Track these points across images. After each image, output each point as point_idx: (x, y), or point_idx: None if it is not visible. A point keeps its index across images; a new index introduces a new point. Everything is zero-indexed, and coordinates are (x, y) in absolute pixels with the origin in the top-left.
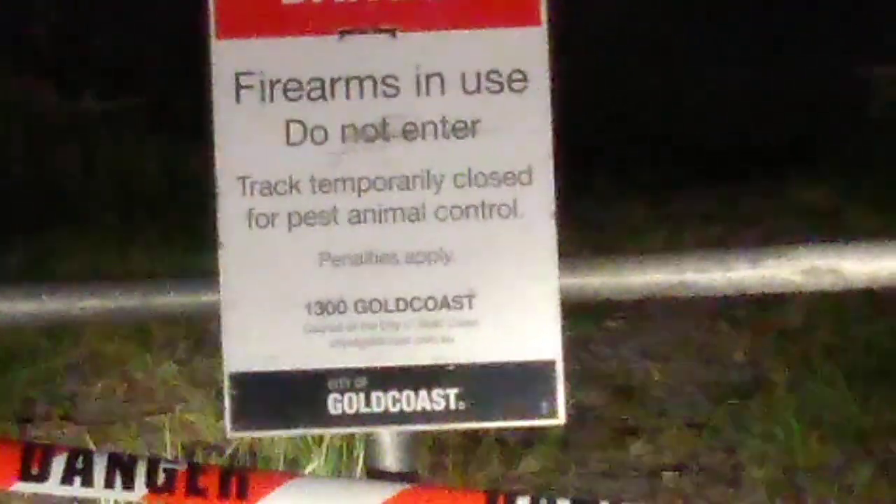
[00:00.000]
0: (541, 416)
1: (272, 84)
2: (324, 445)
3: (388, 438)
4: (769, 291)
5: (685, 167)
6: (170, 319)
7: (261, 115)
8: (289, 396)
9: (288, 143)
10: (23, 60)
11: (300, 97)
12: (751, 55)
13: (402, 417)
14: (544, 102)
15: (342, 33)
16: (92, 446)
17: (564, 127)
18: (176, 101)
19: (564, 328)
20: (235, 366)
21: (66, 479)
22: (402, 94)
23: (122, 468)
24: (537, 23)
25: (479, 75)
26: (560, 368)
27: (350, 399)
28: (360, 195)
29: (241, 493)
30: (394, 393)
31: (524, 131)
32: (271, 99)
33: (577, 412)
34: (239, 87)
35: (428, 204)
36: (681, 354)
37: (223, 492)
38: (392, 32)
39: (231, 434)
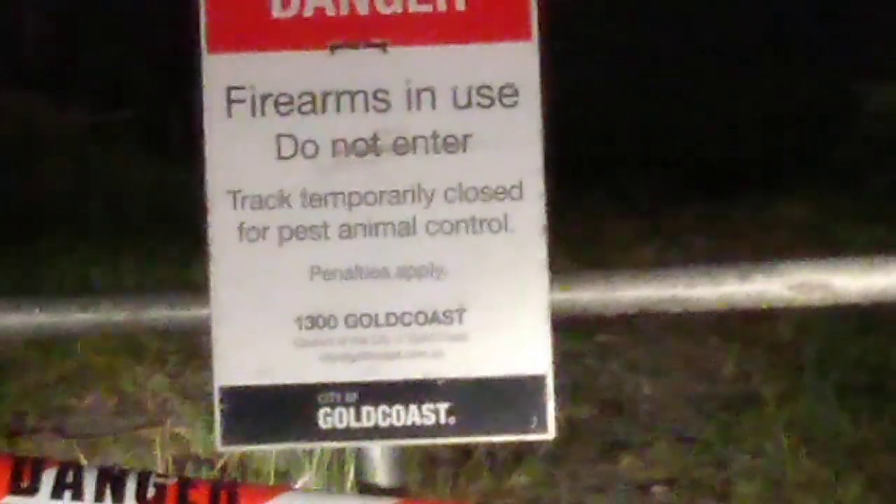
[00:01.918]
0: (531, 431)
1: (263, 98)
2: (314, 459)
3: (378, 453)
4: (759, 307)
5: (675, 182)
6: (160, 333)
7: (252, 130)
8: (279, 410)
9: (279, 157)
10: (14, 74)
11: (291, 111)
12: (740, 70)
13: (392, 432)
14: (535, 117)
15: (333, 48)
16: (82, 459)
17: (555, 141)
18: (167, 114)
19: (555, 342)
20: (226, 379)
21: (56, 493)
22: (393, 108)
23: (112, 482)
24: (528, 37)
25: (469, 90)
26: (550, 383)
27: (340, 413)
28: (350, 209)
29: None
30: (384, 407)
31: (515, 146)
32: (262, 113)
33: (568, 426)
34: (230, 101)
35: (419, 218)
36: (671, 369)
37: None
38: (383, 47)
39: (221, 448)
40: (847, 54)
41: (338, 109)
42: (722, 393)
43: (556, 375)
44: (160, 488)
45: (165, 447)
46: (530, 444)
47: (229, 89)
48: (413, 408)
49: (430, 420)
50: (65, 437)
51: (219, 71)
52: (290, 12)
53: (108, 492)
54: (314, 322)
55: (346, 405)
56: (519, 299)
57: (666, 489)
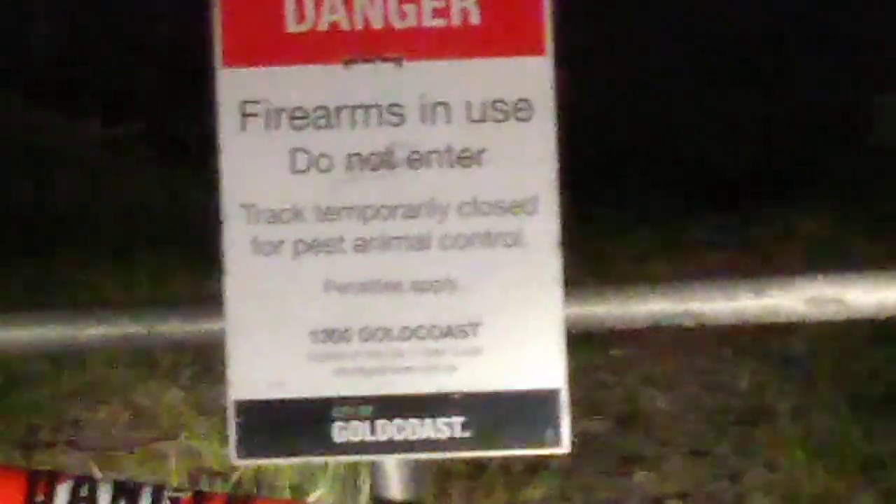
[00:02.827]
0: (545, 445)
1: (277, 112)
2: (328, 473)
3: (392, 467)
4: (773, 321)
5: (689, 196)
6: (175, 346)
7: (266, 144)
8: (293, 424)
9: (293, 171)
10: (26, 86)
11: (306, 125)
12: (754, 83)
13: (406, 446)
14: (549, 131)
15: (347, 62)
16: (96, 473)
17: (569, 156)
18: (179, 127)
19: (569, 357)
20: (240, 393)
21: None
22: (408, 122)
23: (126, 495)
24: (542, 52)
25: (484, 104)
26: (565, 397)
27: (355, 427)
28: (365, 223)
29: None
30: (399, 421)
31: (529, 160)
32: (277, 127)
33: (582, 440)
34: (244, 115)
35: (433, 233)
36: (685, 382)
37: None
38: (397, 61)
39: (236, 461)
40: (863, 66)
41: (352, 124)
42: (736, 407)
43: (571, 389)
44: (175, 502)
45: (180, 461)
46: (544, 457)
47: (243, 103)
48: (428, 422)
49: (445, 434)
50: (79, 451)
51: (233, 85)
52: (305, 26)
53: None
54: (329, 336)
55: (361, 419)
56: (533, 313)
57: (680, 503)
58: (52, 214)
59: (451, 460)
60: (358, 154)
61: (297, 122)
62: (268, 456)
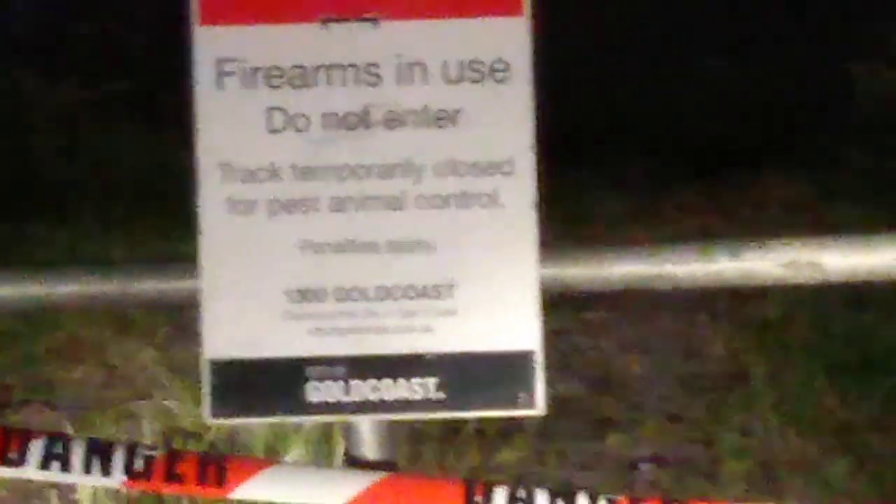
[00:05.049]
0: (520, 407)
1: (254, 71)
2: (302, 433)
3: (366, 427)
4: (749, 284)
5: (666, 160)
6: (150, 306)
7: (242, 103)
8: (268, 383)
9: (269, 130)
10: (4, 47)
11: (282, 84)
12: (731, 50)
13: (380, 406)
14: (526, 93)
15: (325, 21)
16: (70, 432)
17: (546, 118)
18: (158, 88)
19: (544, 320)
20: (215, 352)
21: (44, 465)
22: (384, 82)
23: (100, 454)
24: (520, 13)
25: (461, 65)
26: (539, 358)
27: (329, 387)
28: (340, 183)
29: (219, 480)
30: (373, 381)
31: (506, 121)
32: (253, 86)
33: (556, 404)
34: (221, 73)
35: (409, 193)
36: (660, 347)
37: (201, 478)
38: (374, 21)
39: (209, 420)
40: (840, 35)
41: (329, 83)
42: (710, 371)
43: (546, 352)
44: (148, 460)
45: (154, 420)
46: (518, 420)
47: (220, 61)
48: (402, 382)
49: (419, 394)
50: (53, 410)
51: (210, 43)
52: None
53: (96, 464)
54: (303, 295)
55: (335, 379)
56: (508, 275)
57: (653, 467)
58: (29, 175)
59: (425, 423)
60: (334, 114)
61: (273, 81)
62: (241, 415)
